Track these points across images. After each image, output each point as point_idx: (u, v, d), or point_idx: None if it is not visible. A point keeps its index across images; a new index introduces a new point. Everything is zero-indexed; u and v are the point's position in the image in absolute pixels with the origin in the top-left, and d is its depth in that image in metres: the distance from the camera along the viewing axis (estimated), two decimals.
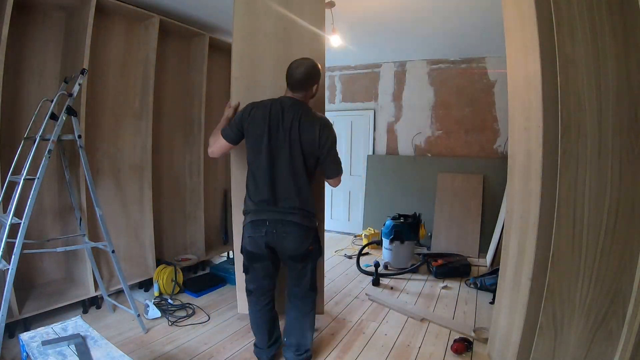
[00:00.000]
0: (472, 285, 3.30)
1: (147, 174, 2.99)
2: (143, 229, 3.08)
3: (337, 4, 2.93)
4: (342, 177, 2.05)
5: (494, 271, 3.26)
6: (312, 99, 2.04)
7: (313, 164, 1.92)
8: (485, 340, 2.29)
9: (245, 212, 1.96)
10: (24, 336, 1.63)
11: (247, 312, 2.13)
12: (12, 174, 2.05)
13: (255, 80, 2.43)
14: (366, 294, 3.14)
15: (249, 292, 2.06)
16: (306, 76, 1.90)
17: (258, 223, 1.88)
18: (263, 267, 1.97)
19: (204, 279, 3.32)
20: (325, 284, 3.32)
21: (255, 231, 1.89)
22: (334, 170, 1.96)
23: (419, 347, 2.29)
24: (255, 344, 2.14)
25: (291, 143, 1.84)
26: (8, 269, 1.84)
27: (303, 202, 1.89)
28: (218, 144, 2.00)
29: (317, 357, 2.17)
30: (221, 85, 4.03)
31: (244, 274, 2.06)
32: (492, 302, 2.81)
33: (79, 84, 2.17)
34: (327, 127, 1.90)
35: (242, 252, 2.01)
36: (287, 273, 2.07)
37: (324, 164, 1.93)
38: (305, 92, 1.94)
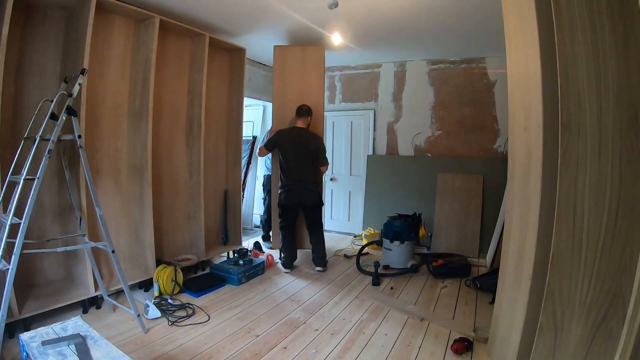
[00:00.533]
0: (472, 285, 3.30)
1: (147, 174, 2.99)
2: (143, 229, 3.08)
3: (339, 4, 2.94)
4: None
5: (494, 271, 3.26)
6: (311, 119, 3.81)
7: (315, 160, 3.66)
8: (485, 340, 2.29)
9: (282, 185, 3.69)
10: (24, 336, 1.64)
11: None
12: (12, 174, 2.05)
13: (285, 104, 4.08)
14: (366, 294, 3.13)
15: (281, 227, 3.77)
16: (307, 109, 3.73)
17: (292, 192, 3.61)
18: (290, 213, 3.71)
19: (204, 279, 3.32)
20: (325, 284, 3.37)
21: (290, 195, 3.62)
22: (323, 162, 3.71)
23: (419, 347, 2.29)
24: (283, 258, 3.76)
25: (305, 151, 3.60)
26: (8, 269, 1.84)
27: (313, 179, 3.68)
28: (262, 151, 3.83)
29: (318, 357, 2.17)
30: (221, 85, 4.04)
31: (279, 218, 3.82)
32: (492, 302, 2.81)
33: (79, 84, 2.17)
34: (319, 140, 3.75)
35: (279, 206, 3.76)
36: (305, 220, 3.79)
37: (319, 159, 3.67)
38: (306, 118, 3.73)
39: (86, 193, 2.51)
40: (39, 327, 1.89)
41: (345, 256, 4.25)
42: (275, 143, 3.66)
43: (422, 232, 4.22)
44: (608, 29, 1.36)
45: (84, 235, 2.45)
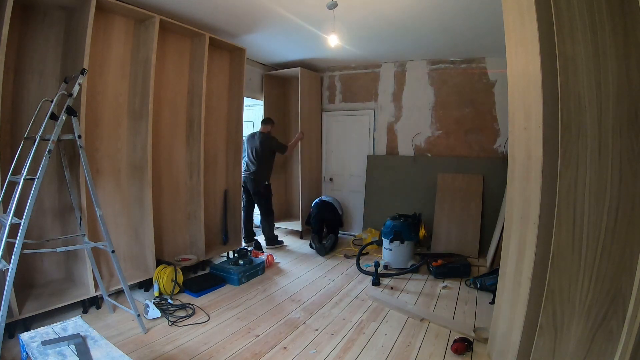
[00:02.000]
0: (472, 285, 3.30)
1: (147, 174, 2.99)
2: (143, 229, 3.08)
3: (339, 4, 2.94)
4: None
5: (494, 271, 3.26)
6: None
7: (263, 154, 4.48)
8: (485, 340, 2.29)
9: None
10: (24, 336, 1.64)
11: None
12: (12, 174, 2.05)
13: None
14: (366, 294, 3.14)
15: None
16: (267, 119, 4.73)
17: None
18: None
19: (204, 279, 3.32)
20: (325, 284, 3.37)
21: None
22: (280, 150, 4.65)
23: (419, 347, 2.29)
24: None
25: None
26: (8, 269, 1.84)
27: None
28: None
29: (318, 357, 2.17)
30: (221, 85, 4.04)
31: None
32: (492, 302, 2.81)
33: (79, 84, 2.17)
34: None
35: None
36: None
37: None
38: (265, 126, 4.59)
39: (86, 193, 2.51)
40: (39, 327, 1.89)
41: (345, 256, 4.25)
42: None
43: (422, 232, 4.22)
44: (608, 29, 1.36)
45: (84, 235, 2.45)
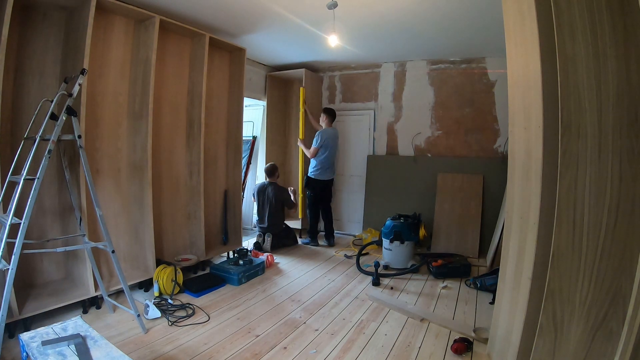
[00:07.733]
0: (472, 285, 3.30)
1: (147, 174, 2.99)
2: (143, 229, 3.08)
3: (339, 4, 2.94)
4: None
5: (494, 271, 3.26)
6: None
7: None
8: (485, 340, 2.29)
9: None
10: (24, 336, 1.64)
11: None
12: (12, 174, 2.05)
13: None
14: (366, 294, 3.14)
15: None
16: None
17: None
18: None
19: (204, 279, 3.32)
20: (325, 284, 3.37)
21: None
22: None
23: (419, 347, 2.29)
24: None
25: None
26: (8, 269, 1.84)
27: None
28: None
29: (318, 357, 2.17)
30: (221, 85, 4.04)
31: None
32: (492, 302, 2.81)
33: (79, 84, 2.17)
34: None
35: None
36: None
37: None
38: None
39: (86, 193, 2.51)
40: (39, 327, 1.89)
41: (346, 256, 4.25)
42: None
43: (422, 232, 4.22)
44: (608, 29, 1.36)
45: (84, 235, 2.45)
